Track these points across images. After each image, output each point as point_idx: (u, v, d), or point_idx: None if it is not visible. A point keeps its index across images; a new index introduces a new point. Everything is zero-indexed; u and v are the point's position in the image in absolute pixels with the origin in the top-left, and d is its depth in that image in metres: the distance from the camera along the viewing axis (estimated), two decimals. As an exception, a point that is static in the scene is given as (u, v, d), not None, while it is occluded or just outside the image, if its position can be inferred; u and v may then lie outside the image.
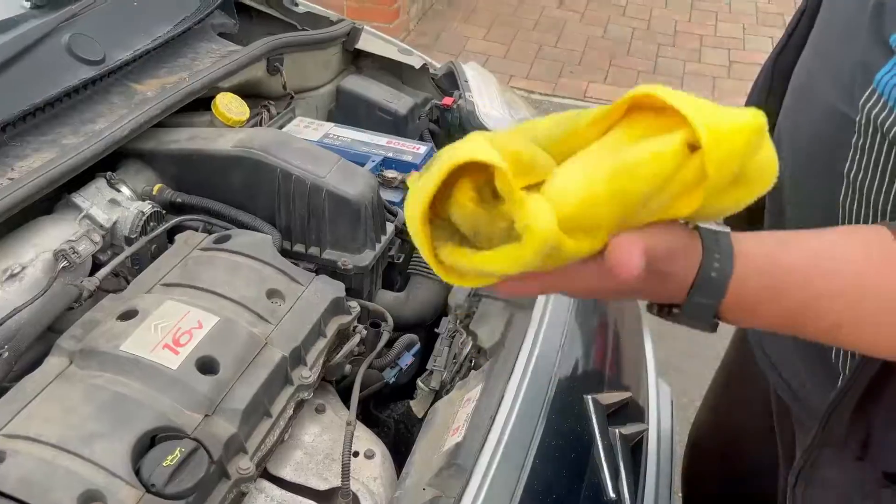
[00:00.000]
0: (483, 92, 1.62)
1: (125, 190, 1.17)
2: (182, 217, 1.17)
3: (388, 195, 1.41)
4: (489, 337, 1.08)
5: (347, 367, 1.16)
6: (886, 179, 0.70)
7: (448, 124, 1.63)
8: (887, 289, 0.54)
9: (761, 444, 1.11)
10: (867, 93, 0.71)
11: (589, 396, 1.02)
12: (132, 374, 0.87)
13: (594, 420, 0.99)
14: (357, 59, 1.78)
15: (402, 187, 1.42)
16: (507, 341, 1.03)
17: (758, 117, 0.50)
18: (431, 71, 1.76)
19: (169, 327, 0.93)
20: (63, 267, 0.98)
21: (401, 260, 1.39)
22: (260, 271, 1.07)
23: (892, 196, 0.70)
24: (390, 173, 1.42)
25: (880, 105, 0.70)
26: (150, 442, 0.82)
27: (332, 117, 1.68)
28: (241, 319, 0.99)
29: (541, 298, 1.11)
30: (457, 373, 1.07)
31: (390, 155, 1.47)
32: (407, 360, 1.22)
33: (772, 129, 0.95)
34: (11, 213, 0.98)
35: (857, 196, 0.74)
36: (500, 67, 4.38)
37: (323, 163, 1.20)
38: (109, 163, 1.20)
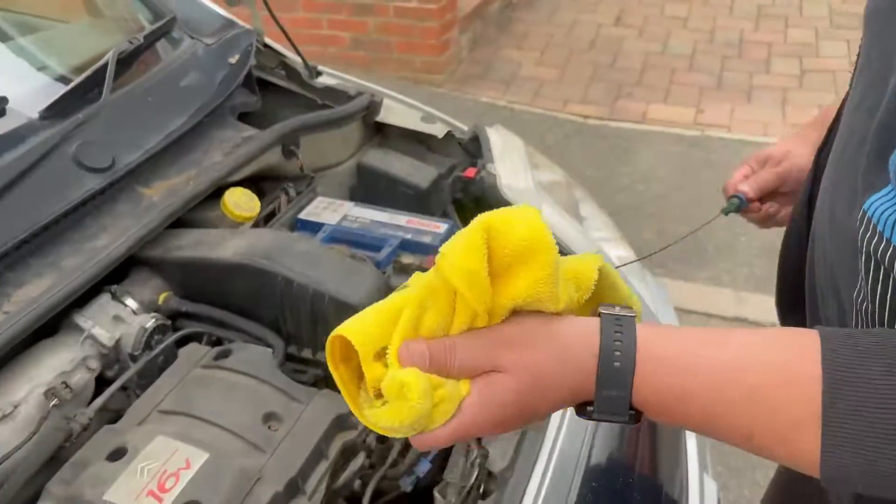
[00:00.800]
0: (507, 159, 1.54)
1: (130, 303, 1.16)
2: (185, 331, 1.15)
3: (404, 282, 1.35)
4: (501, 456, 1.00)
5: (357, 484, 1.10)
6: (887, 314, 0.60)
7: (472, 196, 1.57)
8: (798, 401, 0.52)
9: None
10: (859, 217, 0.61)
11: (608, 529, 0.92)
12: (114, 526, 0.84)
13: (613, 557, 0.90)
14: (382, 128, 1.73)
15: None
16: (517, 465, 0.95)
17: (480, 220, 0.56)
18: (458, 135, 1.70)
19: (155, 469, 0.89)
20: (54, 405, 0.96)
21: (421, 350, 1.33)
22: (257, 392, 1.03)
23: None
24: (407, 258, 1.36)
25: (871, 231, 0.60)
26: None
27: (354, 193, 1.64)
28: (233, 451, 0.95)
29: (555, 418, 1.02)
30: (465, 499, 1.00)
31: (409, 237, 1.41)
32: (424, 467, 1.16)
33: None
34: (7, 348, 0.97)
35: (865, 326, 0.64)
36: (553, 92, 4.28)
37: (325, 266, 1.15)
38: (119, 270, 1.19)
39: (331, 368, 0.59)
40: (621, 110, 4.12)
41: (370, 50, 4.43)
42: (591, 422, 1.03)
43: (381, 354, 0.57)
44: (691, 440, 1.24)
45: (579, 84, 4.37)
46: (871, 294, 0.63)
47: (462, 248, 0.56)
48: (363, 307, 1.13)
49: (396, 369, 0.55)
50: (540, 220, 0.56)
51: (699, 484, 1.20)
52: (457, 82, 4.41)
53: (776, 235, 2.97)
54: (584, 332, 0.56)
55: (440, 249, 0.57)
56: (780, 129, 3.83)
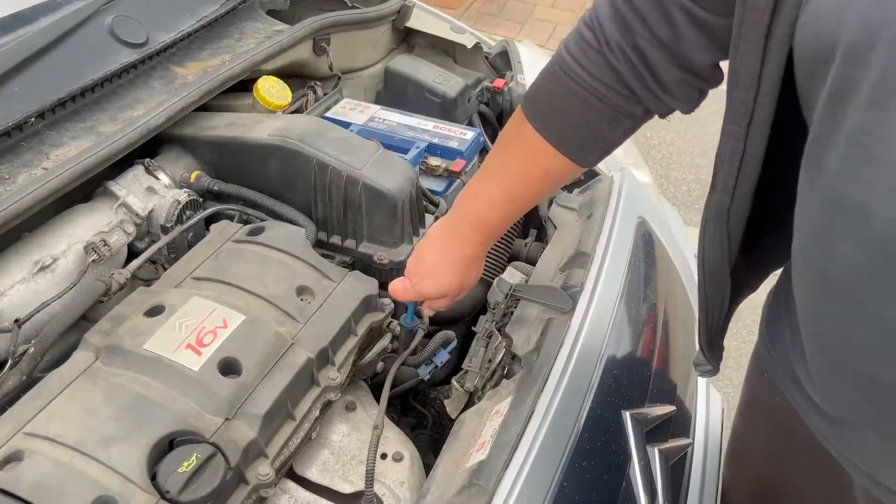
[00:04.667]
0: (537, 74, 1.54)
1: (163, 177, 1.16)
2: (218, 206, 1.16)
3: (430, 183, 1.36)
4: (524, 343, 1.03)
5: (380, 365, 1.13)
6: None
7: (499, 108, 1.57)
8: None
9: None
10: None
11: (627, 412, 0.96)
12: (154, 374, 0.86)
13: (631, 438, 0.94)
14: (409, 37, 1.72)
15: (445, 175, 1.37)
16: (542, 350, 0.98)
17: None
18: (485, 50, 1.69)
19: (193, 326, 0.91)
20: (93, 260, 0.98)
21: (443, 251, 1.35)
22: (291, 266, 1.04)
23: None
24: (434, 161, 1.37)
25: None
26: (168, 446, 0.81)
27: (380, 98, 1.64)
28: (268, 318, 0.96)
29: (582, 304, 1.05)
30: (488, 379, 1.03)
31: (436, 141, 1.42)
32: (443, 357, 1.19)
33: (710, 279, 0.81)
34: (45, 203, 0.97)
35: None
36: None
37: (360, 153, 1.16)
38: (150, 147, 1.19)
39: None
40: (633, 58, 4.09)
41: (384, -21, 4.36)
42: (613, 316, 1.06)
43: None
44: (701, 351, 1.28)
45: (593, 29, 4.32)
46: None
47: None
48: (395, 196, 1.15)
49: None
50: None
51: (706, 391, 1.24)
52: (470, 19, 4.35)
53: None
54: None
55: None
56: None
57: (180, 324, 0.92)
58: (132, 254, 1.13)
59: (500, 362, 1.01)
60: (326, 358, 0.98)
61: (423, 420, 1.34)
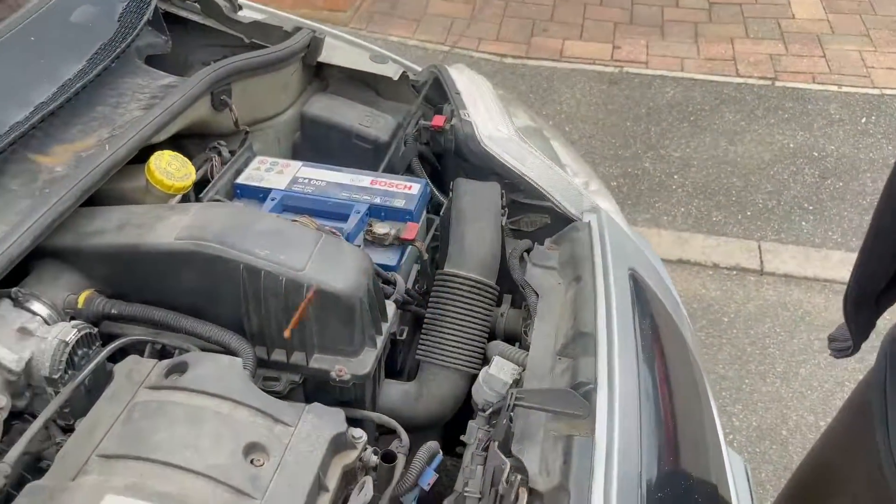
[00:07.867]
0: (480, 105, 1.33)
1: (39, 308, 0.88)
2: (121, 340, 0.89)
3: (380, 256, 1.13)
4: (542, 471, 0.82)
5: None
6: None
7: (441, 149, 1.34)
8: None
9: None
10: None
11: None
12: None
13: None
14: (322, 71, 1.47)
15: (397, 244, 1.14)
16: (570, 484, 0.78)
17: None
18: (412, 77, 1.46)
19: (112, 546, 0.66)
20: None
21: (404, 335, 1.12)
22: (231, 417, 0.80)
23: None
24: (381, 227, 1.14)
25: None
26: None
27: (298, 150, 1.39)
28: (212, 503, 0.72)
29: (601, 407, 0.85)
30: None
31: (377, 200, 1.19)
32: (429, 477, 0.97)
33: None
34: None
35: None
36: (466, 30, 4.05)
37: (298, 247, 0.92)
38: (16, 269, 0.91)
39: None
40: (538, 48, 3.94)
41: (264, -15, 4.02)
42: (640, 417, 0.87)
43: None
44: (717, 418, 1.11)
45: (492, 21, 4.14)
46: None
47: None
48: (351, 296, 0.92)
49: None
50: None
51: (728, 464, 1.08)
52: (363, 20, 4.08)
53: (706, 175, 2.85)
54: None
55: None
56: (697, 63, 3.78)
57: (92, 546, 0.66)
58: (12, 413, 0.86)
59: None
60: (298, 536, 0.75)
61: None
